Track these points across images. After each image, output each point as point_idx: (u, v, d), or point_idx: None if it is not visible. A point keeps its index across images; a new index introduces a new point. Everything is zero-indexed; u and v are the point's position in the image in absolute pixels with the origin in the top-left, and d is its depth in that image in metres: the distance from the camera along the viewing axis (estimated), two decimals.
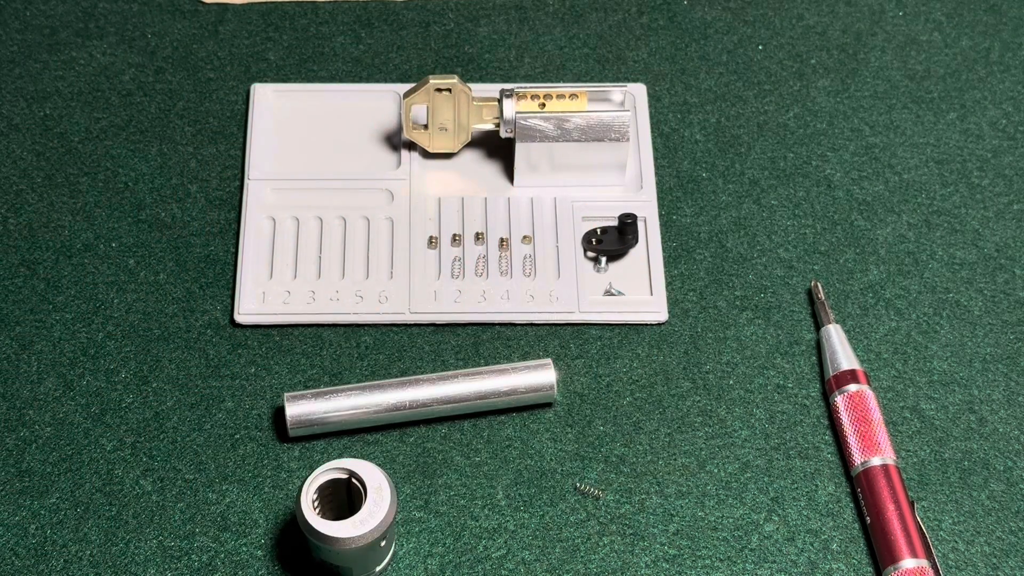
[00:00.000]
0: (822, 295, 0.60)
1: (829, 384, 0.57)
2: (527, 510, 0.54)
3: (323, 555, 0.50)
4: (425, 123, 0.62)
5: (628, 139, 0.61)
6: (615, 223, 0.61)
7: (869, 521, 0.54)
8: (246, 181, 0.62)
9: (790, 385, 0.58)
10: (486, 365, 0.57)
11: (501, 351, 0.58)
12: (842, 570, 0.53)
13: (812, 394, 0.58)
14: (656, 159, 0.64)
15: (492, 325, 0.59)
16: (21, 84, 0.66)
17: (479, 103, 0.62)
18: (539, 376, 0.56)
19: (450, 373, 0.56)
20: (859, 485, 0.55)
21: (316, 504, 0.50)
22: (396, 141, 0.64)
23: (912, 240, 0.62)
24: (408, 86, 0.64)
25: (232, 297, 0.59)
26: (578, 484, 0.55)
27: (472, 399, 0.56)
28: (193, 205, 0.62)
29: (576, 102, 0.61)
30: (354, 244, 0.61)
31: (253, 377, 0.57)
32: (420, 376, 0.56)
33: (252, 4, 0.69)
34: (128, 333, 0.58)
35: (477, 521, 0.54)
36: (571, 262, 0.60)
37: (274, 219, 0.61)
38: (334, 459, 0.54)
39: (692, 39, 0.69)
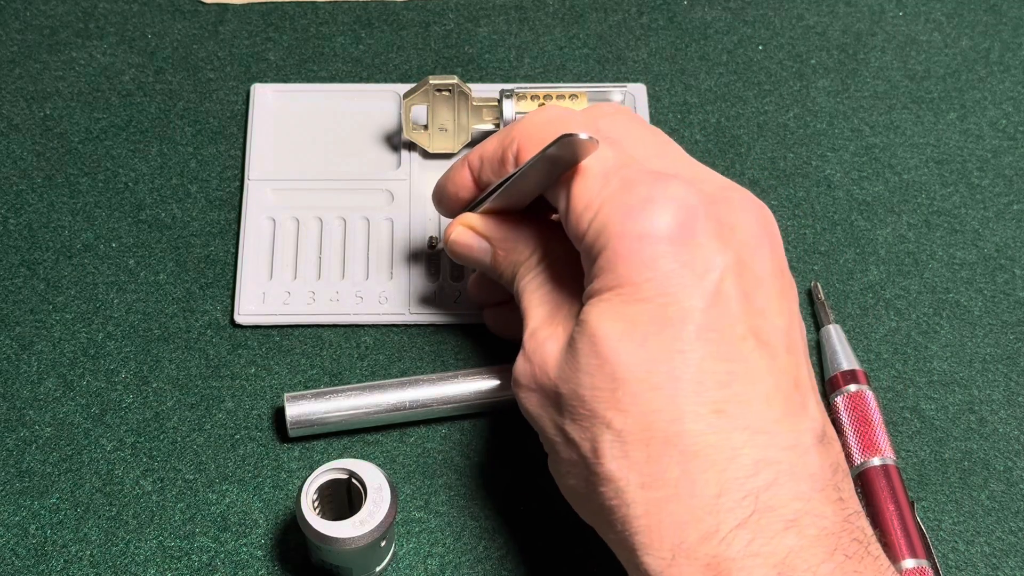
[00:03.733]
0: (822, 295, 0.60)
1: (829, 384, 0.57)
2: (527, 510, 0.54)
3: (323, 555, 0.50)
4: (425, 123, 0.62)
5: None
6: None
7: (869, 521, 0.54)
8: (246, 181, 0.62)
9: None
10: (486, 365, 0.57)
11: (501, 351, 0.58)
12: None
13: None
14: None
15: None
16: (21, 84, 0.66)
17: (479, 103, 0.62)
18: None
19: (450, 373, 0.56)
20: (859, 485, 0.55)
21: (316, 504, 0.50)
22: (396, 141, 0.64)
23: (912, 240, 0.62)
24: (408, 86, 0.64)
25: (232, 297, 0.59)
26: None
27: (472, 399, 0.56)
28: (193, 205, 0.62)
29: (576, 102, 0.61)
30: (354, 244, 0.61)
31: (253, 377, 0.57)
32: (420, 376, 0.56)
33: (252, 4, 0.69)
34: (128, 333, 0.58)
35: (477, 521, 0.54)
36: None
37: (274, 219, 0.61)
38: (334, 459, 0.54)
39: (692, 39, 0.69)
